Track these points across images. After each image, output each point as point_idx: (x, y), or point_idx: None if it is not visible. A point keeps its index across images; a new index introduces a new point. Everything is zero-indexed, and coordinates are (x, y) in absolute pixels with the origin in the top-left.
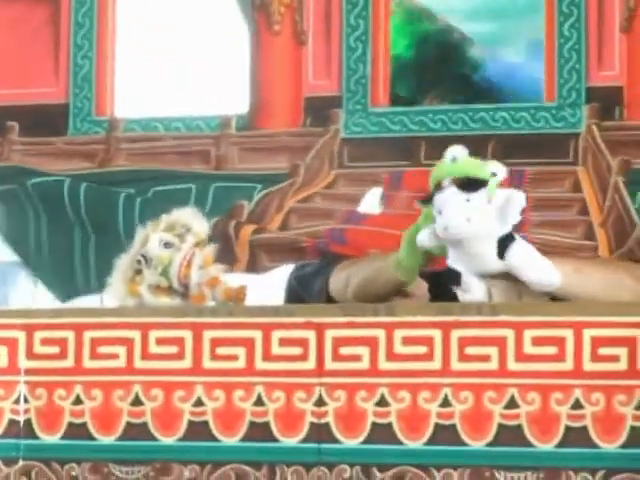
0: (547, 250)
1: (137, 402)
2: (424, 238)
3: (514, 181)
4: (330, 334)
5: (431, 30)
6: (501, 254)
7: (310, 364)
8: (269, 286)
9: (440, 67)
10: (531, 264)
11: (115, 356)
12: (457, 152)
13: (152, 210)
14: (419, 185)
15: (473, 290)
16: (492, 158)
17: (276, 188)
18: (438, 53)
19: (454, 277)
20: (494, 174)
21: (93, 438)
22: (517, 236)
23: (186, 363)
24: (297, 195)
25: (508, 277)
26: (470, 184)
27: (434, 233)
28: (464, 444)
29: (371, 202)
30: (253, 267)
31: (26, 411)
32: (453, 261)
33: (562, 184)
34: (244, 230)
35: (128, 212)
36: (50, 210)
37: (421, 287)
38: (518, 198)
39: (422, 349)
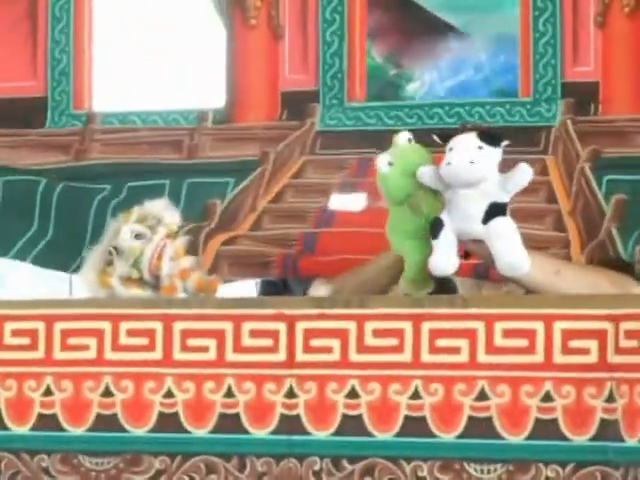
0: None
1: (107, 393)
2: (425, 173)
3: None
4: (301, 326)
5: (373, 66)
6: (486, 220)
7: (281, 356)
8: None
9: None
10: (508, 242)
11: (85, 347)
12: (387, 157)
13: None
14: None
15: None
16: None
17: (248, 182)
18: (382, 90)
19: (436, 227)
20: (410, 140)
21: (63, 429)
22: (508, 213)
23: (156, 354)
24: (269, 190)
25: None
26: (489, 136)
27: (436, 171)
28: (434, 436)
29: (341, 196)
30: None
31: None
32: (444, 213)
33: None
34: (214, 240)
35: (100, 216)
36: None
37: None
38: (527, 169)
39: (393, 341)
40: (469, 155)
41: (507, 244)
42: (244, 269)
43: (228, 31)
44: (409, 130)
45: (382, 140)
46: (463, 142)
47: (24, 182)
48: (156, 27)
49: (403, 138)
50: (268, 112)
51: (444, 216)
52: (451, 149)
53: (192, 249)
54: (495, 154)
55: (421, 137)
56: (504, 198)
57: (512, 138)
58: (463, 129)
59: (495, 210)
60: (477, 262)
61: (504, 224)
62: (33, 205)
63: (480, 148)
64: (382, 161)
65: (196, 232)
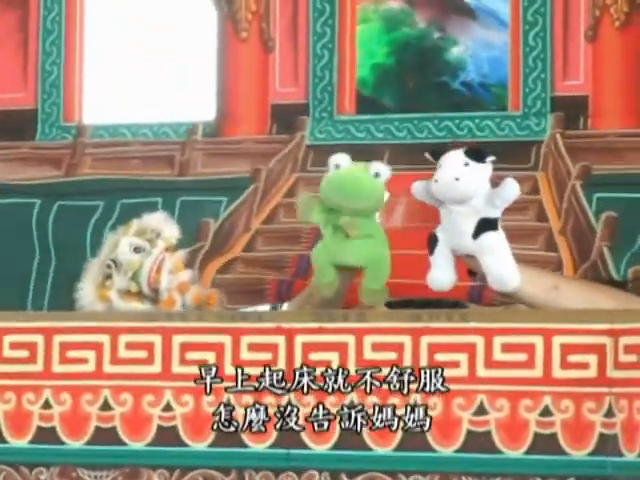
0: None
1: (106, 407)
2: (419, 188)
3: None
4: (300, 339)
5: (410, 35)
6: (476, 235)
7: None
8: None
9: (420, 74)
10: (497, 256)
11: (84, 360)
12: (340, 160)
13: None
14: None
15: (436, 268)
16: None
17: (240, 201)
18: (418, 59)
19: (431, 243)
20: (377, 174)
21: (62, 442)
22: (500, 228)
23: (155, 368)
24: (262, 209)
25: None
26: (475, 152)
27: (427, 187)
28: (433, 450)
29: None
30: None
31: None
32: (438, 229)
33: (520, 188)
34: (209, 268)
35: (96, 235)
36: (13, 233)
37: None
38: (513, 184)
39: (392, 355)
40: (455, 172)
41: (496, 259)
42: (239, 296)
43: (219, 44)
44: (396, 144)
45: (372, 154)
46: (450, 159)
47: (19, 205)
48: (147, 40)
49: (372, 168)
50: (258, 125)
51: (439, 232)
52: (440, 166)
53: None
54: (482, 170)
55: (411, 151)
56: (494, 213)
57: (502, 153)
58: (453, 146)
59: (485, 225)
60: (472, 285)
61: (493, 239)
62: (30, 229)
63: (466, 165)
64: (332, 160)
65: (191, 258)
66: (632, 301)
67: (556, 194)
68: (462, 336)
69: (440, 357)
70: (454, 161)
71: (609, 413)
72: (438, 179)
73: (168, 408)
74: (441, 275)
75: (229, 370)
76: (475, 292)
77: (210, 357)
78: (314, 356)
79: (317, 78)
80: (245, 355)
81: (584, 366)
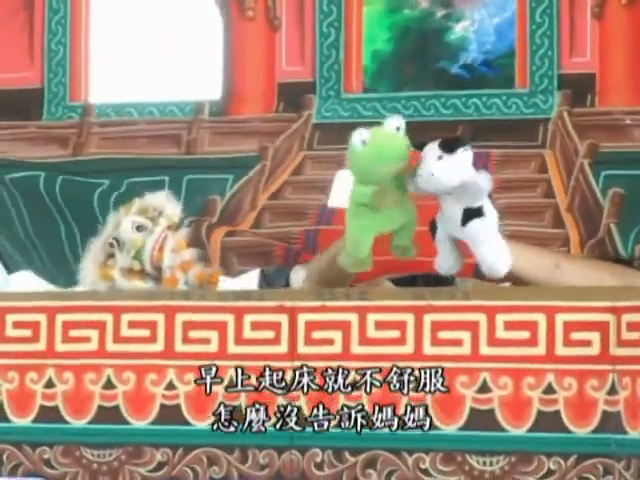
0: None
1: (109, 385)
2: (410, 183)
3: (479, 162)
4: (303, 318)
5: (411, 18)
6: (463, 223)
7: (282, 348)
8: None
9: (419, 61)
10: (485, 245)
11: (87, 339)
12: (364, 135)
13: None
14: None
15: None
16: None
17: (247, 179)
18: (417, 44)
19: (432, 230)
20: (398, 129)
21: (65, 421)
22: (487, 213)
23: (158, 346)
24: (268, 187)
25: None
26: (447, 144)
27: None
28: (436, 428)
29: (339, 192)
30: (225, 270)
31: None
32: (438, 216)
33: (528, 165)
34: (215, 233)
35: (103, 208)
36: (32, 206)
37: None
38: (485, 178)
39: (395, 333)
40: (429, 167)
41: (483, 247)
42: (250, 258)
43: (225, 22)
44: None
45: None
46: (427, 153)
47: (27, 177)
48: (152, 18)
49: (391, 125)
50: (265, 104)
51: (438, 219)
52: (423, 159)
53: (195, 243)
54: (457, 161)
55: (418, 129)
56: (474, 203)
57: (510, 131)
58: (433, 139)
59: (469, 214)
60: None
61: (479, 227)
62: (44, 201)
63: (440, 158)
64: (357, 137)
65: (197, 227)
66: (634, 278)
67: (564, 172)
68: (465, 314)
69: (443, 335)
70: (430, 155)
71: (612, 390)
72: (419, 173)
73: (171, 387)
74: (444, 261)
75: (232, 349)
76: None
77: (213, 336)
78: (317, 334)
79: (324, 56)
80: (248, 334)
81: (587, 343)
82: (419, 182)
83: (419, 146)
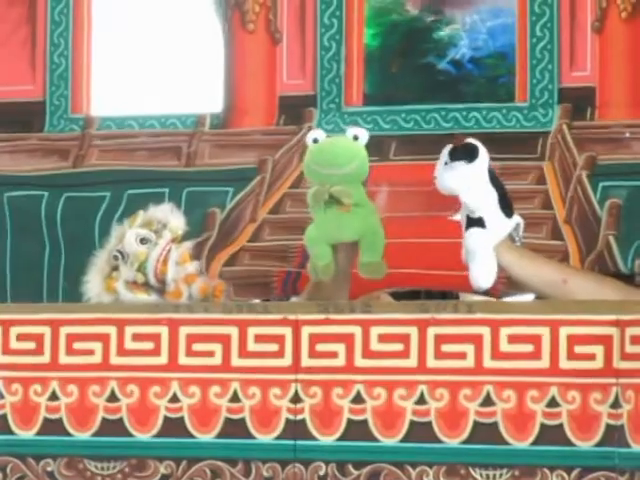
0: None
1: (113, 398)
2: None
3: None
4: (306, 331)
5: (399, 20)
6: (466, 229)
7: (286, 361)
8: None
9: (408, 53)
10: (475, 254)
11: (91, 352)
12: (316, 134)
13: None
14: (386, 179)
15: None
16: None
17: (247, 192)
18: (406, 39)
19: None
20: (356, 137)
21: (69, 434)
22: (489, 225)
23: (162, 359)
24: (268, 199)
25: None
26: (454, 151)
27: None
28: (440, 441)
29: None
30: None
31: (1, 406)
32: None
33: (526, 177)
34: (215, 261)
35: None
36: (22, 226)
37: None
38: (477, 196)
39: (398, 346)
40: (437, 170)
41: (473, 258)
42: (246, 289)
43: (226, 35)
44: (407, 135)
45: (379, 145)
46: (440, 157)
47: (27, 197)
48: (154, 31)
49: (350, 133)
50: (266, 117)
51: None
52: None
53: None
54: (464, 169)
55: (418, 142)
56: (472, 214)
57: (509, 144)
58: (455, 141)
59: (470, 222)
60: None
61: (473, 237)
62: (39, 222)
63: (445, 164)
64: (311, 135)
65: (198, 250)
66: (637, 296)
67: (562, 183)
68: (468, 327)
69: (446, 348)
70: (440, 159)
71: (616, 404)
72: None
73: (175, 399)
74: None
75: (236, 361)
76: None
77: (217, 348)
78: (321, 347)
79: (325, 70)
80: (252, 346)
81: (591, 357)
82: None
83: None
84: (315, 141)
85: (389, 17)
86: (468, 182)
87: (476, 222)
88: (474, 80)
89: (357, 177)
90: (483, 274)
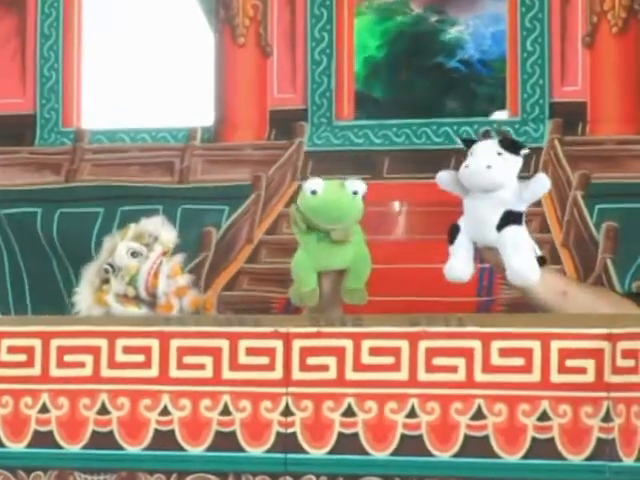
0: None
1: (103, 411)
2: (444, 176)
3: None
4: (297, 344)
5: (404, 23)
6: (500, 227)
7: (277, 374)
8: None
9: (414, 59)
10: (519, 250)
11: (82, 364)
12: (315, 185)
13: None
14: (379, 197)
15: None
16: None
17: (242, 211)
18: (412, 45)
19: (452, 233)
20: (355, 192)
21: (59, 446)
22: (524, 222)
23: (153, 372)
24: (264, 219)
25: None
26: (510, 143)
27: (455, 175)
28: (430, 455)
29: None
30: None
31: None
32: (461, 219)
33: None
34: (213, 289)
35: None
36: (24, 243)
37: None
38: (545, 180)
39: (389, 359)
40: (487, 160)
41: (518, 252)
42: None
43: (217, 49)
44: (395, 150)
45: (371, 161)
46: (483, 148)
47: (23, 214)
48: (145, 45)
49: (350, 187)
50: (257, 131)
51: (461, 222)
52: (471, 154)
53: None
54: (514, 162)
55: (410, 157)
56: (520, 207)
57: None
58: (486, 135)
59: (510, 218)
60: (481, 300)
61: (517, 232)
62: (38, 237)
63: (499, 154)
64: (309, 186)
65: (196, 273)
66: (634, 309)
67: (558, 204)
68: (460, 340)
69: (437, 361)
70: (488, 149)
71: (607, 418)
72: (469, 165)
73: (165, 412)
74: (460, 265)
75: (227, 374)
76: (483, 306)
77: (207, 361)
78: (312, 360)
79: (315, 84)
80: (243, 359)
81: (582, 371)
82: (467, 174)
83: (466, 142)
84: (313, 192)
85: (393, 21)
86: (515, 175)
87: (515, 217)
88: (485, 80)
89: (356, 221)
90: (533, 267)
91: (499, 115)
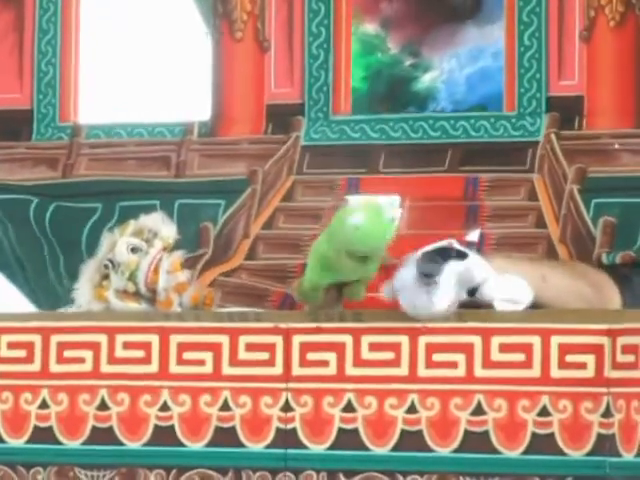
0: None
1: (103, 406)
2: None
3: (469, 189)
4: (297, 339)
5: (382, 62)
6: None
7: (277, 369)
8: None
9: (391, 102)
10: (506, 289)
11: (81, 360)
12: (357, 219)
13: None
14: (376, 190)
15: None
16: (450, 166)
17: (238, 205)
18: (389, 88)
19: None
20: (393, 219)
21: (59, 442)
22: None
23: (153, 367)
24: (260, 213)
25: None
26: (429, 269)
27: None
28: (431, 450)
29: None
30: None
31: None
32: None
33: (518, 192)
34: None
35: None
36: (18, 228)
37: None
38: (475, 266)
39: (389, 355)
40: (423, 299)
41: (506, 293)
42: (241, 299)
43: (214, 44)
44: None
45: (367, 155)
46: (410, 288)
47: (18, 201)
48: (142, 40)
49: (388, 214)
50: (253, 125)
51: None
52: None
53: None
54: (446, 277)
55: (407, 152)
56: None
57: (499, 155)
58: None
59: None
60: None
61: (491, 287)
62: (32, 226)
63: (428, 285)
64: (352, 219)
65: (193, 265)
66: (609, 287)
67: (554, 199)
68: (460, 336)
69: (437, 357)
70: (415, 290)
71: (607, 413)
72: (415, 306)
73: (165, 408)
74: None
75: (226, 370)
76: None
77: (207, 357)
78: (312, 356)
79: (312, 78)
80: (242, 355)
81: (582, 366)
82: (415, 311)
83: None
84: (357, 228)
85: (374, 57)
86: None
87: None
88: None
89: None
90: (524, 290)
91: (472, 236)
